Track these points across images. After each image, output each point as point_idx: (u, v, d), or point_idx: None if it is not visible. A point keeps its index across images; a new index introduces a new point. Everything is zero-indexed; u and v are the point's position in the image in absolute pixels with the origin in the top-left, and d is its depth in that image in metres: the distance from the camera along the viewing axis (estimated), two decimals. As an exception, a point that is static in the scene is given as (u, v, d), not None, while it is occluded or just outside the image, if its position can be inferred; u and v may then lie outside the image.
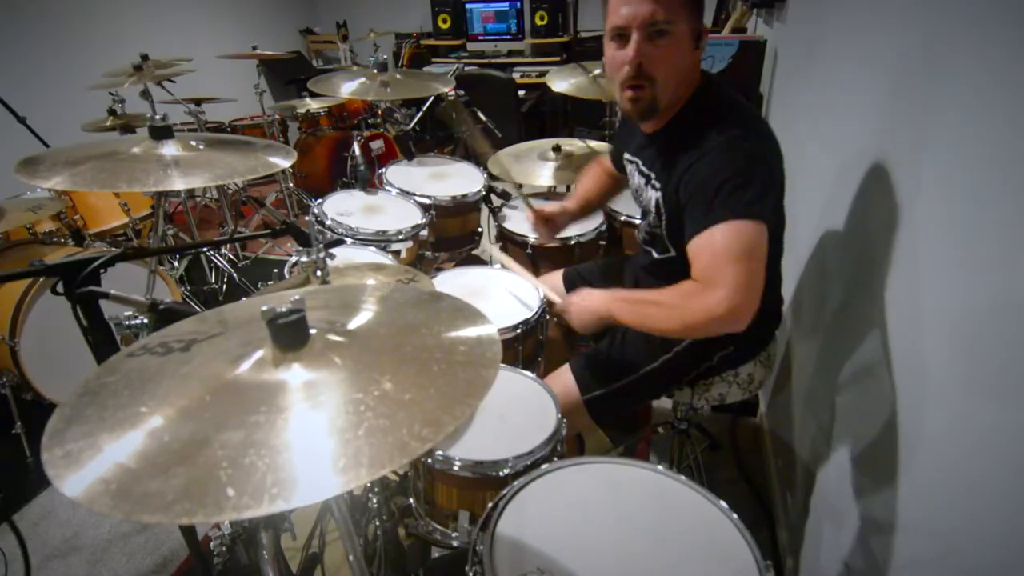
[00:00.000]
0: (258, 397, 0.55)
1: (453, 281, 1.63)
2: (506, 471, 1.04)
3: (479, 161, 2.19)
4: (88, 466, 0.49)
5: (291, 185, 3.73)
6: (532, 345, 1.52)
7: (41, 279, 1.82)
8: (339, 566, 1.51)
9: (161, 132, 1.14)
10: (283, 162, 1.17)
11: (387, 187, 2.08)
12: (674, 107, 1.13)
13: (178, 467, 0.48)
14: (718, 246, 0.99)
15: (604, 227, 1.92)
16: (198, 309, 0.76)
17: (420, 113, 2.98)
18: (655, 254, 1.28)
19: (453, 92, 2.33)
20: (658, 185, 1.17)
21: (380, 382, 0.57)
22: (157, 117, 1.14)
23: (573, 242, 1.86)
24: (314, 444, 0.51)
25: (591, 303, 1.19)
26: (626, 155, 1.34)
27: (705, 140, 1.05)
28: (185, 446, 0.50)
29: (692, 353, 1.25)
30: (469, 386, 0.57)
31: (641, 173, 1.25)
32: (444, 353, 0.63)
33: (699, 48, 1.08)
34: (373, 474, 0.46)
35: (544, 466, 0.97)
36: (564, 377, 1.32)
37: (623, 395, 1.28)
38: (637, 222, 1.96)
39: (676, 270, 1.15)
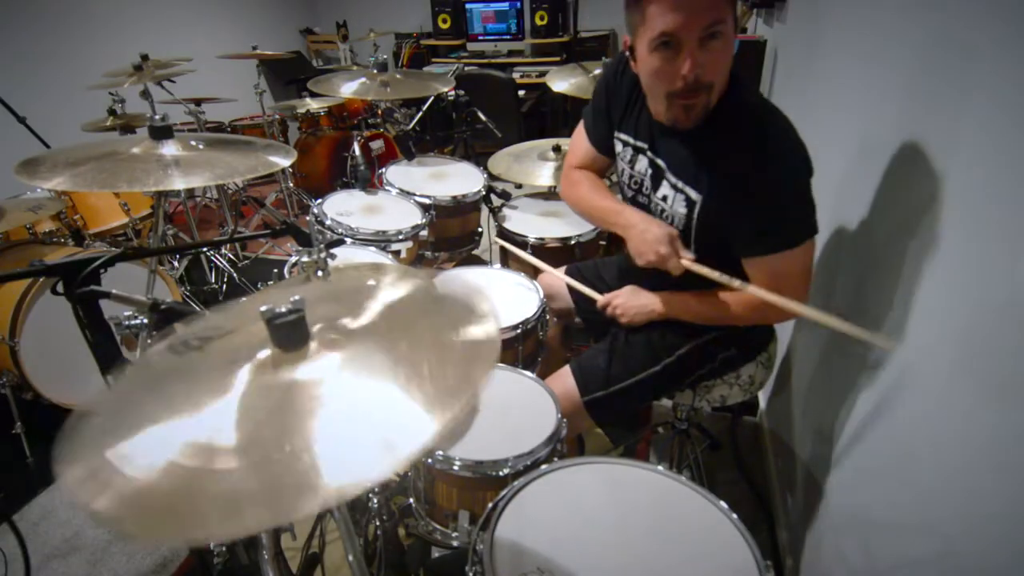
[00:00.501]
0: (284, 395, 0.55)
1: (453, 282, 1.63)
2: (506, 471, 1.04)
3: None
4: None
5: (291, 185, 3.73)
6: (532, 345, 1.52)
7: (41, 279, 1.82)
8: (339, 566, 1.51)
9: (161, 132, 1.14)
10: (283, 162, 1.17)
11: (387, 187, 2.08)
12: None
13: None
14: (790, 270, 1.05)
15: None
16: (198, 309, 0.76)
17: (420, 113, 2.98)
18: None
19: (453, 92, 2.33)
20: (688, 189, 1.10)
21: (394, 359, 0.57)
22: (157, 117, 1.14)
23: (573, 242, 1.86)
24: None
25: (645, 304, 1.23)
26: (620, 134, 1.24)
27: (753, 147, 1.00)
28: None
29: (694, 357, 1.25)
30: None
31: (651, 163, 1.17)
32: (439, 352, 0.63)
33: (735, 33, 1.01)
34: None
35: (544, 466, 0.98)
36: (564, 378, 1.32)
37: (624, 397, 1.28)
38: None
39: (691, 272, 1.14)
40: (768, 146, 1.01)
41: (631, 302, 1.25)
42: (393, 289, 0.75)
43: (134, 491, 0.48)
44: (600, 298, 1.30)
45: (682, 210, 1.12)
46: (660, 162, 1.16)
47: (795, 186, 1.01)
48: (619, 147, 1.26)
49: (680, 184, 1.12)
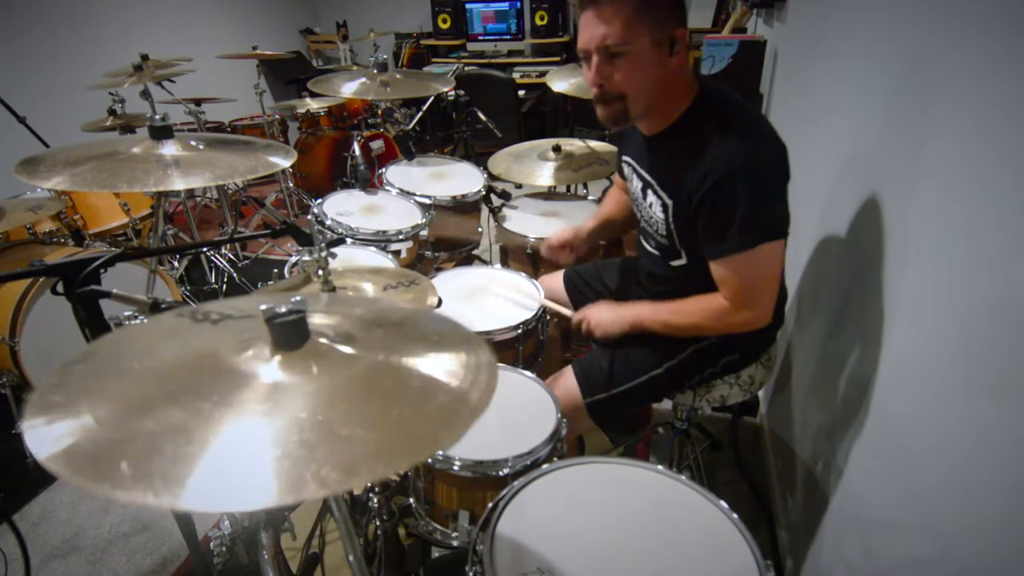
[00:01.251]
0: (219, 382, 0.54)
1: (452, 281, 1.63)
2: (506, 471, 1.04)
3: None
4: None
5: (291, 185, 3.73)
6: (532, 345, 1.52)
7: (41, 279, 1.82)
8: (339, 566, 1.51)
9: (161, 132, 1.13)
10: (283, 162, 1.17)
11: (387, 187, 2.08)
12: (671, 114, 1.11)
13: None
14: (750, 272, 1.06)
15: (604, 227, 1.92)
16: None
17: (420, 113, 2.98)
18: (667, 261, 1.24)
19: (453, 92, 2.33)
20: (663, 194, 1.15)
21: (331, 409, 0.53)
22: (157, 117, 1.14)
23: (573, 242, 1.86)
24: (237, 449, 0.48)
25: (618, 316, 1.24)
26: (624, 156, 1.32)
27: (716, 152, 1.03)
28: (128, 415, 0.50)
29: (697, 360, 1.25)
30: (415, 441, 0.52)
31: (640, 177, 1.23)
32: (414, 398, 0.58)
33: (676, 54, 1.05)
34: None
35: (544, 466, 0.98)
36: (566, 379, 1.32)
37: (625, 399, 1.28)
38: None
39: (689, 277, 1.15)
40: (726, 147, 1.02)
41: (605, 315, 1.26)
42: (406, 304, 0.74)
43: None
44: (574, 316, 1.32)
45: (660, 215, 1.17)
46: (644, 172, 1.21)
47: (752, 187, 1.01)
48: (626, 170, 1.31)
49: (658, 189, 1.16)
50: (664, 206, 1.15)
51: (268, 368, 0.56)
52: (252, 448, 0.48)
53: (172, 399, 0.52)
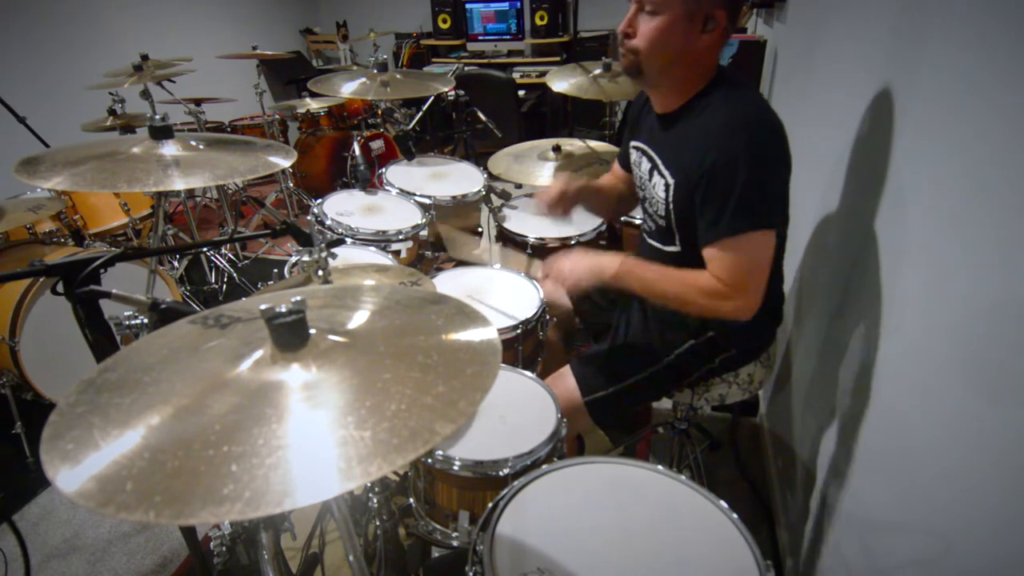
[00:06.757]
0: (262, 397, 0.55)
1: (453, 281, 1.63)
2: (506, 471, 1.04)
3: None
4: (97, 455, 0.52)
5: (291, 185, 3.73)
6: (532, 345, 1.52)
7: (41, 279, 1.82)
8: (339, 566, 1.51)
9: (161, 132, 1.13)
10: (283, 162, 1.17)
11: (387, 187, 2.08)
12: (686, 92, 1.12)
13: (179, 464, 0.48)
14: (740, 259, 1.05)
15: (604, 227, 1.92)
16: (198, 309, 0.77)
17: (420, 113, 2.98)
18: (661, 247, 1.25)
19: (453, 92, 2.33)
20: (666, 173, 1.15)
21: (378, 384, 0.56)
22: (157, 117, 1.14)
23: (573, 242, 1.86)
24: (313, 445, 0.51)
25: (595, 266, 1.18)
26: (633, 143, 1.30)
27: (718, 134, 1.04)
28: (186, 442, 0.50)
29: (694, 356, 1.25)
30: (467, 389, 0.57)
31: (648, 158, 1.22)
32: (442, 356, 0.63)
33: (708, 32, 1.05)
34: (370, 476, 0.47)
35: (544, 466, 0.98)
36: (565, 378, 1.32)
37: (624, 397, 1.28)
38: (637, 221, 1.96)
39: (683, 267, 1.15)
40: (728, 129, 1.03)
41: (579, 265, 1.19)
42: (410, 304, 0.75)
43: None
44: (542, 267, 1.26)
45: (661, 194, 1.17)
46: (652, 152, 1.21)
47: (750, 171, 1.00)
48: (634, 155, 1.30)
49: (663, 168, 1.17)
50: (666, 185, 1.15)
51: (291, 371, 0.58)
52: (318, 441, 0.51)
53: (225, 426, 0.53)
